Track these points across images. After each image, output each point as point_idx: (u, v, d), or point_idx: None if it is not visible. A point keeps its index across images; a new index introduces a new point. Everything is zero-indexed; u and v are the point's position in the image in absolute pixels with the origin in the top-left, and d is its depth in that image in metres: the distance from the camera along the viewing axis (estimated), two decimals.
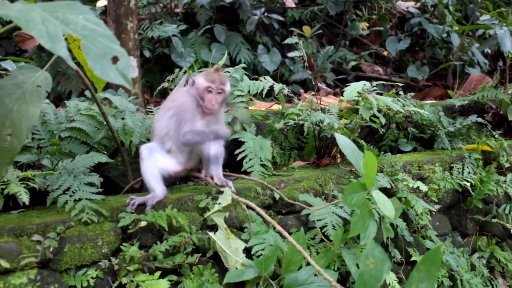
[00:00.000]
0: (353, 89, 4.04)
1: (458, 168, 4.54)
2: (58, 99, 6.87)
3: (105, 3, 6.82)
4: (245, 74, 4.48)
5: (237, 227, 3.29)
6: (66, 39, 2.66)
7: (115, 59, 1.85)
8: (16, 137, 2.35)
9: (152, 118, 3.83)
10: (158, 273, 2.87)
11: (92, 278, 2.75)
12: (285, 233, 3.01)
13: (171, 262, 2.93)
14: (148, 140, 3.56)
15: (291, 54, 3.98)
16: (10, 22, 2.03)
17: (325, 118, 3.74)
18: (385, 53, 9.25)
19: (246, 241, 3.15)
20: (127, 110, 3.83)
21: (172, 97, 3.41)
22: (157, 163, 3.23)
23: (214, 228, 3.16)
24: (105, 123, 3.50)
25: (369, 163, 2.69)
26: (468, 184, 4.38)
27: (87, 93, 4.41)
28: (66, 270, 2.74)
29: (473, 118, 4.99)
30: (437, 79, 9.01)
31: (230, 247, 3.07)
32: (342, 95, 4.13)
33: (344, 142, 2.77)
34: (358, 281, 1.93)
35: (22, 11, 1.84)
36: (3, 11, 1.83)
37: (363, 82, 4.13)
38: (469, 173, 4.52)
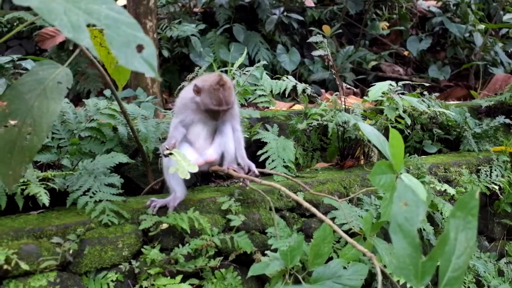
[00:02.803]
0: (378, 89, 3.93)
1: (485, 171, 4.42)
2: (77, 98, 6.86)
3: (125, 2, 6.78)
4: (266, 73, 4.39)
5: (260, 230, 3.20)
6: None
7: (139, 48, 1.79)
8: (36, 135, 2.30)
9: (165, 121, 3.75)
10: (179, 277, 2.81)
11: (112, 281, 2.70)
12: (317, 212, 2.78)
13: (192, 266, 2.86)
14: None
15: (315, 53, 3.88)
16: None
17: (351, 119, 3.64)
18: (406, 53, 9.10)
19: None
20: (139, 116, 3.68)
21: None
22: None
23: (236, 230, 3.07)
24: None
25: (395, 142, 2.50)
26: (497, 187, 4.26)
27: (106, 92, 4.35)
28: (86, 273, 2.68)
29: (501, 119, 4.86)
30: (458, 80, 8.85)
31: None
32: (362, 96, 4.02)
33: (368, 129, 2.64)
34: (392, 224, 1.66)
35: (44, 1, 1.79)
36: (25, 1, 1.78)
37: (389, 82, 4.02)
38: (497, 176, 4.40)
